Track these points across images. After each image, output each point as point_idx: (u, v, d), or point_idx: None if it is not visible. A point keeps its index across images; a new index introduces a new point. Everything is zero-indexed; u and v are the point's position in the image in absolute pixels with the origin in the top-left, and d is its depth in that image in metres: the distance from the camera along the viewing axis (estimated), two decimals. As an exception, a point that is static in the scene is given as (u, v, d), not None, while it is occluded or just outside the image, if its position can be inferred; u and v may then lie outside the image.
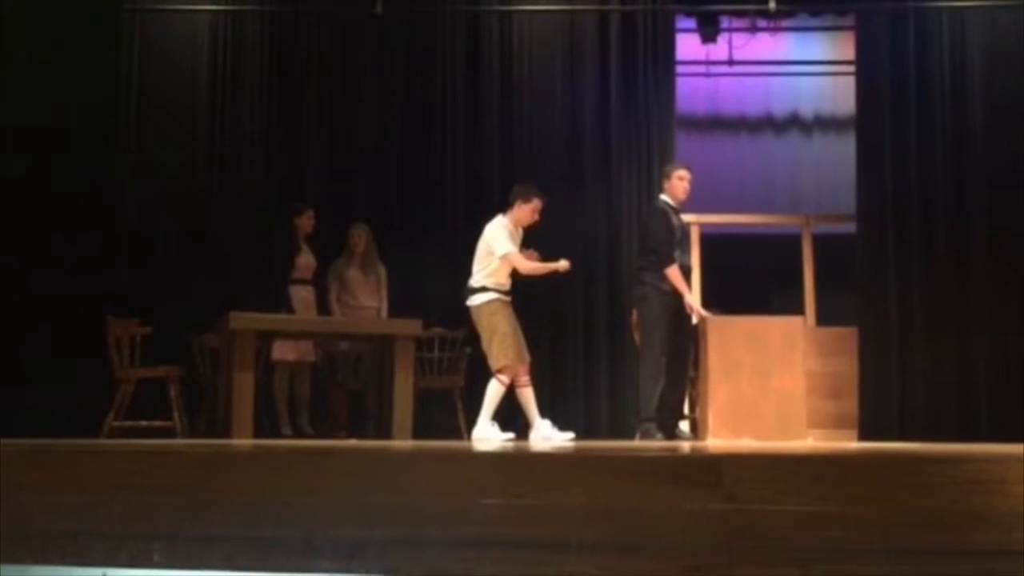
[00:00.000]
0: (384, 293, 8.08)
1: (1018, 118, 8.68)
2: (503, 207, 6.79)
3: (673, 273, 6.94)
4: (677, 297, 6.95)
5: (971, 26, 8.91)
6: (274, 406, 7.72)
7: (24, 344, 7.69)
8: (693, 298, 6.92)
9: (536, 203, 6.68)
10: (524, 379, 6.58)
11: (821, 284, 9.50)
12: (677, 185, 7.18)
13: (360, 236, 8.05)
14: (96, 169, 8.45)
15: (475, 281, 6.62)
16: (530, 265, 6.64)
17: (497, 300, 6.56)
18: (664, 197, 7.22)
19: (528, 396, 6.57)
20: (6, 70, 8.20)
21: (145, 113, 8.77)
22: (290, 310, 7.64)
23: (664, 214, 7.12)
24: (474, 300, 6.61)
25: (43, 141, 8.27)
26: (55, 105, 8.36)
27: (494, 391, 6.51)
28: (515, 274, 6.68)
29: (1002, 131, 8.73)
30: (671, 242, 7.01)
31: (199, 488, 3.06)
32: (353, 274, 8.01)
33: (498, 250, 6.54)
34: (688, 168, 7.28)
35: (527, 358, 6.62)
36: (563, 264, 6.64)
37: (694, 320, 7.24)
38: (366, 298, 8.01)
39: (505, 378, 6.49)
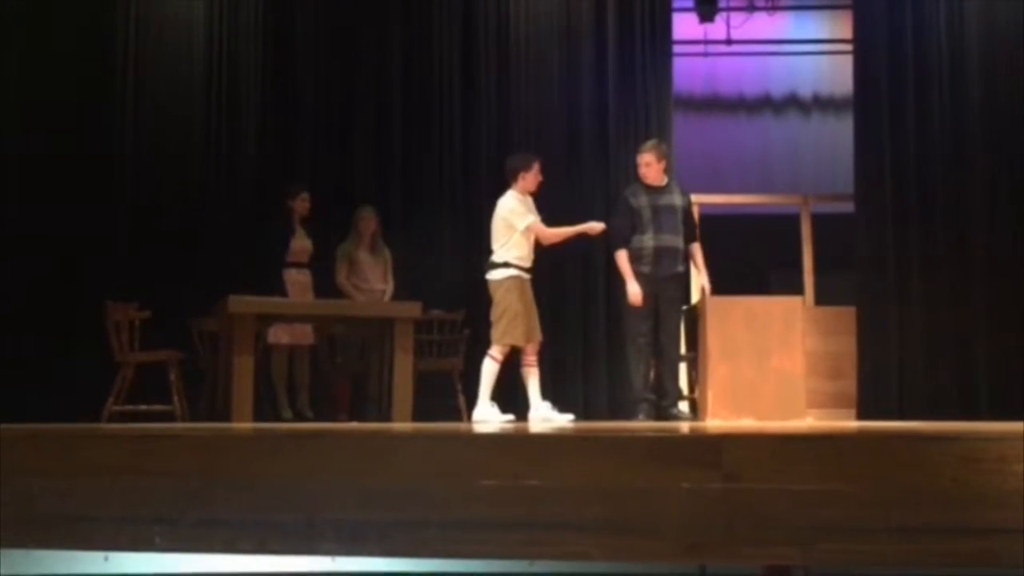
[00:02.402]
0: (391, 276, 8.08)
1: (1016, 97, 8.68)
2: (502, 183, 6.80)
3: (618, 257, 7.06)
4: (658, 280, 6.96)
5: (969, 5, 8.88)
6: (274, 390, 7.72)
7: (24, 330, 7.71)
8: (634, 285, 6.92)
9: (536, 166, 6.73)
10: (531, 359, 6.60)
11: (820, 264, 9.50)
12: (640, 168, 7.18)
13: (370, 219, 8.05)
14: (93, 154, 8.44)
15: (497, 256, 6.62)
16: (552, 232, 6.69)
17: (515, 277, 6.56)
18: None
19: (533, 376, 6.59)
20: (2, 54, 8.19)
21: (141, 98, 8.71)
22: (284, 294, 7.63)
23: (624, 198, 7.18)
24: (493, 275, 6.62)
25: (40, 127, 8.27)
26: (50, 92, 8.35)
27: (488, 369, 6.52)
28: (536, 246, 6.71)
29: (1000, 110, 8.72)
30: (623, 228, 7.05)
31: (200, 472, 3.07)
32: (363, 257, 8.01)
33: (519, 224, 6.57)
34: (652, 149, 7.18)
35: (538, 338, 6.63)
36: (593, 226, 6.73)
37: (694, 299, 7.24)
38: (376, 281, 8.00)
39: (498, 355, 6.52)
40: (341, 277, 7.96)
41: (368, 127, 8.98)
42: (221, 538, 3.01)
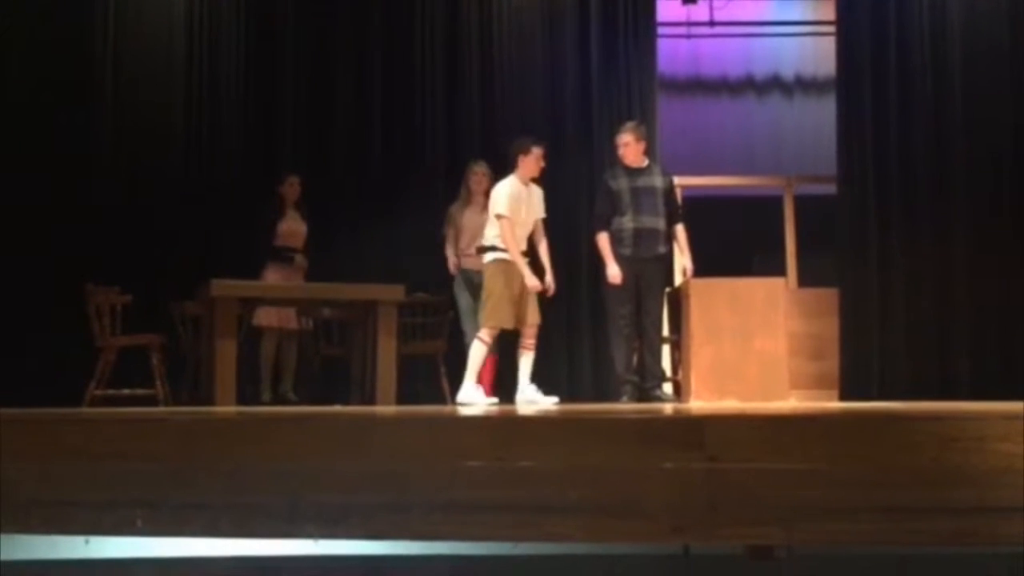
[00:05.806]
0: None
1: (997, 79, 8.71)
2: (505, 168, 6.80)
3: (598, 239, 7.07)
4: (639, 262, 6.97)
5: (951, -14, 8.91)
6: (258, 373, 7.70)
7: (4, 314, 7.67)
8: (613, 267, 6.94)
9: (536, 151, 6.71)
10: (528, 342, 6.63)
11: (802, 245, 9.52)
12: (619, 150, 7.19)
13: (483, 175, 7.53)
14: (74, 136, 8.38)
15: (485, 240, 6.69)
16: (510, 240, 6.59)
17: (500, 261, 6.58)
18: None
19: (526, 359, 6.61)
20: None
21: (122, 80, 8.66)
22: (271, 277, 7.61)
23: (604, 181, 7.21)
24: (482, 258, 6.72)
25: (19, 109, 8.21)
26: (30, 73, 8.29)
27: (477, 352, 6.55)
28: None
29: (982, 92, 8.74)
30: (603, 210, 7.07)
31: (182, 455, 3.06)
32: (467, 218, 7.55)
33: (493, 210, 6.62)
34: (630, 130, 7.17)
35: (533, 321, 6.61)
36: (537, 285, 6.60)
37: (677, 281, 7.25)
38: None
39: (487, 338, 6.53)
40: (449, 245, 7.67)
41: (350, 113, 8.93)
42: (203, 521, 3.01)
